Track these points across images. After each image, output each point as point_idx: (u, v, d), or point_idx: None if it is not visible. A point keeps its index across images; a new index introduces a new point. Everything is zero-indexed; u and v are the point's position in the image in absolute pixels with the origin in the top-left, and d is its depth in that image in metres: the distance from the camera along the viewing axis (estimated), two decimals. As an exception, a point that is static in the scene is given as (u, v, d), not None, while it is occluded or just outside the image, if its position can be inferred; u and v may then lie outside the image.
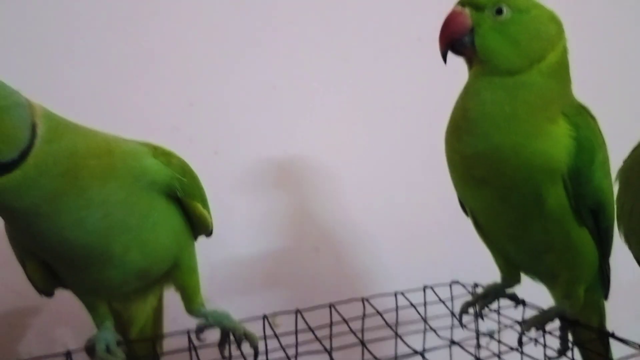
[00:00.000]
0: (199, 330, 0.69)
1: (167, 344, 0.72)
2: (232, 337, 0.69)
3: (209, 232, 0.70)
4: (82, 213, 0.54)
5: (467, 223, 0.76)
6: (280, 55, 1.01)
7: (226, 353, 0.69)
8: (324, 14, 1.05)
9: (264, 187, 1.02)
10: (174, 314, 0.73)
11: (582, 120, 0.62)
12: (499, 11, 0.61)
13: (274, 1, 1.01)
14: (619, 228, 0.57)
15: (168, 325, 0.75)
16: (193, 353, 0.68)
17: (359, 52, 1.06)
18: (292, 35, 1.02)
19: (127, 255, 0.59)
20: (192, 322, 0.70)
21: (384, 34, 1.08)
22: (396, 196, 1.07)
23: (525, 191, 0.62)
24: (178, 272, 0.67)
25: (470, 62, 0.66)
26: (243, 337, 0.68)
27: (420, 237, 1.08)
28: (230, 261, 0.99)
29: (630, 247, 0.55)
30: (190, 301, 0.69)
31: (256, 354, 0.67)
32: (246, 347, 0.68)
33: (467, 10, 0.63)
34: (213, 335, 0.70)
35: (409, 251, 1.07)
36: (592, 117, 0.65)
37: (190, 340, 0.69)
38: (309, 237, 1.04)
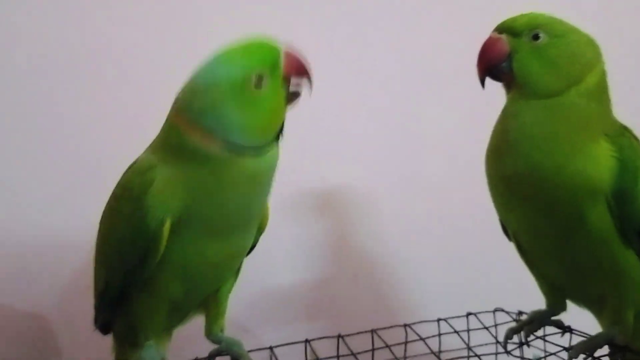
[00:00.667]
0: (211, 357, 0.70)
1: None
2: None
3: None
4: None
5: (510, 249, 0.75)
6: (320, 79, 1.01)
7: None
8: (365, 40, 1.06)
9: (302, 215, 1.02)
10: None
11: (625, 141, 0.62)
12: (536, 37, 0.62)
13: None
14: None
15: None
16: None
17: (400, 79, 1.07)
18: (331, 59, 1.01)
19: (252, 225, 0.65)
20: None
21: (426, 61, 1.08)
22: (436, 222, 1.07)
23: (567, 210, 0.61)
24: (224, 289, 0.69)
25: (508, 87, 0.66)
26: None
27: (461, 263, 1.07)
28: (270, 290, 1.00)
29: None
30: (217, 323, 0.70)
31: None
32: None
33: (504, 37, 0.64)
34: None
35: (450, 278, 1.06)
36: (636, 138, 0.65)
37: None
38: (348, 265, 1.04)
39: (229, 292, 0.70)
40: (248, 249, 0.68)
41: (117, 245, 0.62)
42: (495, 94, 0.68)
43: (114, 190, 0.64)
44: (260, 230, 0.69)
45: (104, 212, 0.65)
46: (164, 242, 0.59)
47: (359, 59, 1.05)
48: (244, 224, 0.63)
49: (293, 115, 0.97)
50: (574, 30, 0.64)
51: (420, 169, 1.07)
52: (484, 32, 0.67)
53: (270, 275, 0.99)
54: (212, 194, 0.59)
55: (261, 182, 0.61)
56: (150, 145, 0.63)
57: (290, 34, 0.62)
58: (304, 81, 0.62)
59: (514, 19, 0.63)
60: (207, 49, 0.60)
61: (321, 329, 0.98)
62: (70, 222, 0.89)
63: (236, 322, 0.93)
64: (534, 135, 0.61)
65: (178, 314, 0.68)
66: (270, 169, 0.61)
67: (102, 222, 0.65)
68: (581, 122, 0.61)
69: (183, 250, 0.60)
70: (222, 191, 0.59)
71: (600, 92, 0.64)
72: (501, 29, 0.64)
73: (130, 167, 0.63)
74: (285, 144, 0.96)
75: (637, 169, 0.61)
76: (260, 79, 0.57)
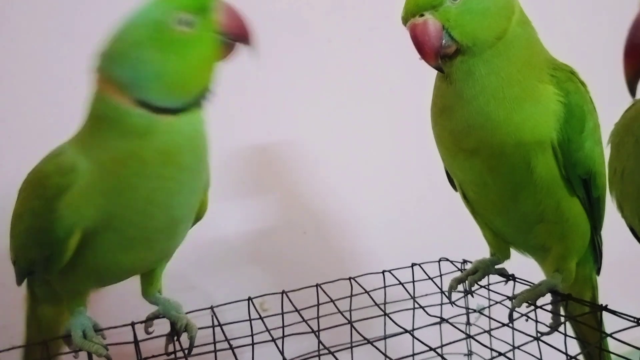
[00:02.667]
0: (149, 320, 0.67)
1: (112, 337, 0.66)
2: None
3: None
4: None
5: (455, 200, 0.74)
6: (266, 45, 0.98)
7: (171, 348, 0.66)
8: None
9: (251, 171, 1.00)
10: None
11: (572, 86, 0.61)
12: None
13: None
14: (611, 194, 0.55)
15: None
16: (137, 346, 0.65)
17: (344, 33, 1.04)
18: (277, 18, 0.99)
19: (178, 230, 0.59)
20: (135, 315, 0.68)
21: (368, 16, 1.05)
22: (383, 177, 1.06)
23: (515, 160, 0.60)
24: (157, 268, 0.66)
25: (451, 56, 0.61)
26: (184, 328, 0.64)
27: (407, 216, 1.07)
28: (217, 244, 0.97)
29: (623, 214, 0.54)
30: (153, 285, 0.66)
31: (191, 346, 0.63)
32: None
33: (427, 15, 0.59)
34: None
35: (396, 232, 1.06)
36: (582, 83, 0.64)
37: (135, 333, 0.66)
38: (296, 220, 1.02)
39: (163, 267, 0.66)
40: (176, 248, 0.63)
41: (23, 233, 0.57)
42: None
43: (32, 171, 0.57)
44: (197, 218, 0.63)
45: (20, 189, 0.59)
46: (69, 253, 0.54)
47: (305, 16, 1.02)
48: (169, 226, 0.57)
49: (240, 69, 0.97)
50: None
51: (368, 129, 1.06)
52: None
53: (215, 229, 0.96)
54: (130, 190, 0.52)
55: (183, 153, 0.53)
56: (78, 131, 0.56)
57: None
58: (243, 38, 0.55)
59: None
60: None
61: (267, 284, 0.97)
62: None
63: (181, 278, 0.91)
64: (490, 86, 0.59)
65: (106, 284, 0.64)
66: (194, 135, 0.54)
67: (17, 198, 0.59)
68: (529, 54, 0.60)
69: (95, 259, 0.56)
70: (139, 178, 0.52)
71: (525, 16, 0.63)
72: (418, 9, 0.59)
73: (53, 154, 0.56)
74: (233, 99, 0.96)
75: (584, 114, 0.60)
76: (185, 20, 0.51)
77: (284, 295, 0.75)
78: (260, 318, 0.71)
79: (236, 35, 0.54)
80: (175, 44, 0.50)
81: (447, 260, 0.82)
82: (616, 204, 0.55)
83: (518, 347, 0.64)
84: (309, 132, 1.03)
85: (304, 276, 0.87)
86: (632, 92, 0.44)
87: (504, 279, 0.75)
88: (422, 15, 0.59)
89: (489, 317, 0.74)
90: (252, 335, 0.72)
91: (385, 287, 0.78)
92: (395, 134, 1.06)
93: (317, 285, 0.78)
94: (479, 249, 0.76)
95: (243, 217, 0.99)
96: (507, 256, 0.74)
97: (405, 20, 0.61)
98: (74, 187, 0.52)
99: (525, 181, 0.61)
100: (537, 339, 0.63)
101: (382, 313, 0.73)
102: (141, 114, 0.51)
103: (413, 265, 0.81)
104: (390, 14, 0.98)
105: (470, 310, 0.83)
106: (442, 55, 0.60)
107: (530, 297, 0.67)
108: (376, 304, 0.73)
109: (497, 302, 0.72)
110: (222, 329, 0.68)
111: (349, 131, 1.05)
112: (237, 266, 0.99)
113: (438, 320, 0.74)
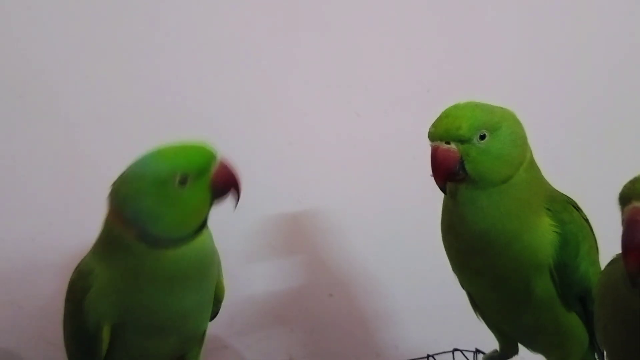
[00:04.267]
0: None
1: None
2: None
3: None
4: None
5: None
6: (297, 108, 1.03)
7: None
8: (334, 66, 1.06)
9: (281, 236, 1.05)
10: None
11: (567, 216, 0.66)
12: (482, 137, 0.64)
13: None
14: (595, 332, 0.60)
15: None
16: None
17: (371, 105, 1.08)
18: (307, 94, 1.04)
19: (195, 318, 0.66)
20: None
21: (394, 86, 1.09)
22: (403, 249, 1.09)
23: (515, 282, 0.66)
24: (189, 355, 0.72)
25: (459, 181, 0.66)
26: None
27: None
28: (248, 304, 1.03)
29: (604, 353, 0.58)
30: None
31: None
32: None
33: (453, 145, 0.64)
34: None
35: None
36: (577, 209, 0.69)
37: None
38: (324, 283, 1.07)
39: (197, 354, 0.73)
40: (202, 332, 0.70)
41: (68, 336, 0.67)
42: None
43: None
44: (218, 301, 0.72)
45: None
46: (103, 344, 0.63)
47: (332, 88, 1.06)
48: (182, 321, 0.65)
49: (270, 140, 1.04)
50: (502, 114, 0.66)
51: (394, 198, 1.08)
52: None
53: (247, 290, 1.02)
54: (140, 293, 0.61)
55: (189, 275, 0.62)
56: (96, 241, 0.65)
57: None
58: (231, 193, 0.64)
59: (458, 127, 0.63)
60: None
61: (295, 345, 1.02)
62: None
63: (213, 337, 0.98)
64: (490, 216, 0.64)
65: None
66: (197, 259, 0.62)
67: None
68: (527, 195, 0.65)
69: (126, 349, 0.65)
70: (148, 288, 0.61)
71: (533, 160, 0.68)
72: (447, 137, 0.64)
73: (77, 267, 0.66)
74: (262, 168, 1.02)
75: (578, 241, 0.66)
76: (184, 179, 0.59)
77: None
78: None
79: (226, 191, 0.64)
80: (172, 198, 0.60)
81: (460, 350, 0.87)
82: (599, 343, 0.59)
83: None
84: (336, 201, 1.07)
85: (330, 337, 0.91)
86: (635, 284, 0.47)
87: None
88: (447, 142, 0.64)
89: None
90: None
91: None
92: (420, 206, 1.03)
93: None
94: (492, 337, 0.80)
95: (272, 279, 1.05)
96: (515, 352, 0.79)
97: (432, 138, 0.66)
98: (93, 288, 0.62)
99: (525, 299, 0.67)
100: None
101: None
102: (143, 248, 0.60)
103: (428, 356, 0.86)
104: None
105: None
106: (453, 180, 0.66)
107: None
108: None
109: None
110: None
111: (376, 201, 1.08)
112: (267, 326, 1.05)
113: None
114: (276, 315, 1.05)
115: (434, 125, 0.65)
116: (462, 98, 0.68)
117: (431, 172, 0.66)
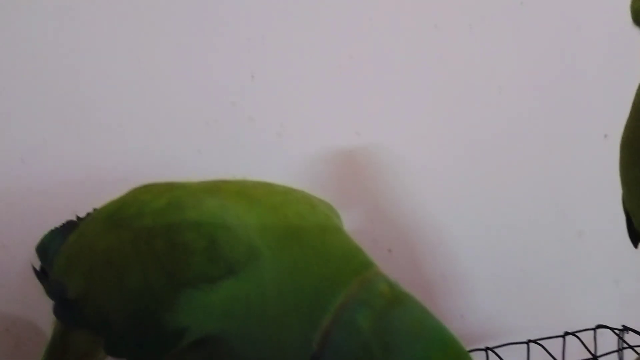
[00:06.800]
0: None
1: None
2: None
3: None
4: None
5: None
6: (359, 23, 0.88)
7: None
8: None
9: (333, 176, 0.89)
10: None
11: None
12: None
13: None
14: None
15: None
16: None
17: (452, 19, 0.91)
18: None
19: None
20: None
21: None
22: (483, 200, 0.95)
23: None
24: None
25: None
26: None
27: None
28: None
29: None
30: None
31: None
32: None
33: None
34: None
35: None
36: None
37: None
38: (382, 238, 0.92)
39: None
40: None
41: None
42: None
43: None
44: None
45: None
46: None
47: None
48: None
49: (328, 56, 0.86)
50: None
51: (469, 138, 0.94)
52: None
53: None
54: None
55: None
56: None
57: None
58: None
59: None
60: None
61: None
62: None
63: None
64: None
65: None
66: None
67: None
68: None
69: None
70: None
71: None
72: None
73: None
74: (317, 91, 0.85)
75: None
76: None
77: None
78: None
79: None
80: None
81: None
82: None
83: None
84: (402, 137, 0.92)
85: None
86: None
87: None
88: None
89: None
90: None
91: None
92: (507, 146, 0.94)
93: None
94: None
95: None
96: None
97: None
98: None
99: None
100: None
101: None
102: None
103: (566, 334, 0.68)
104: None
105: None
106: None
107: None
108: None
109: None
110: None
111: (448, 141, 0.94)
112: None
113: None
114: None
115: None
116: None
117: None
